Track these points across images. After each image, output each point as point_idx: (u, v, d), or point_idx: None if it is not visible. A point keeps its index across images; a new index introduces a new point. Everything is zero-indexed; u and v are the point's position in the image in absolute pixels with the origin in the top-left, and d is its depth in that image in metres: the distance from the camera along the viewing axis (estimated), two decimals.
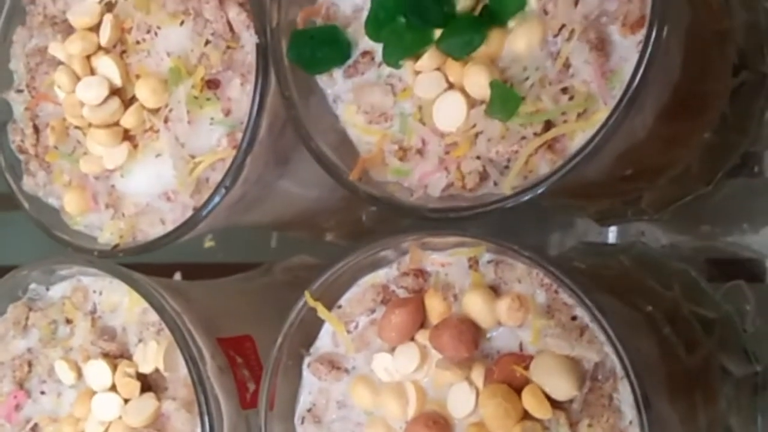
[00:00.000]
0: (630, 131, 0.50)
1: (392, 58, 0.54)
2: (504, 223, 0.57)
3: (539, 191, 0.49)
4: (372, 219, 0.79)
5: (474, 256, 0.52)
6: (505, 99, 0.50)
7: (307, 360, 0.58)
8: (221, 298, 0.72)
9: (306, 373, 0.58)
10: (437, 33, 0.52)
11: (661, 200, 0.69)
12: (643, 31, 0.48)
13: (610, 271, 0.65)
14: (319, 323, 0.58)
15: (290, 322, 0.57)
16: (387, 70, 0.55)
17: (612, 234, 0.75)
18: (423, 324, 0.54)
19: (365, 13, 0.55)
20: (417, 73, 0.54)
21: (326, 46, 0.55)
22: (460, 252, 0.53)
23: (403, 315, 0.52)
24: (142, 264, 0.64)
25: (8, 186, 0.68)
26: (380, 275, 0.56)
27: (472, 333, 0.50)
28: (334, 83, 0.57)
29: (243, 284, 0.79)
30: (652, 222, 0.73)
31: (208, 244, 0.92)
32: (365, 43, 0.56)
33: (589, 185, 0.58)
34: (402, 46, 0.54)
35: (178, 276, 0.88)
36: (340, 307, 0.58)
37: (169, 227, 0.62)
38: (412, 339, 0.54)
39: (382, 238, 0.55)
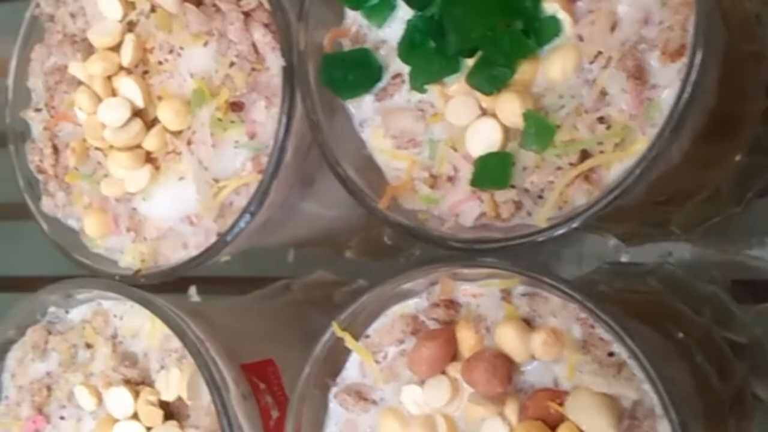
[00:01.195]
0: (668, 159, 0.49)
1: (417, 82, 0.53)
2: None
3: (575, 225, 0.47)
4: (393, 236, 0.78)
5: (507, 288, 0.51)
6: (539, 131, 0.48)
7: (333, 390, 0.57)
8: (242, 320, 0.71)
9: (332, 403, 0.57)
10: (466, 60, 0.51)
11: (691, 221, 0.68)
12: (684, 59, 0.47)
13: (639, 296, 0.64)
14: (346, 353, 0.57)
15: (317, 353, 0.55)
16: (418, 94, 0.54)
17: (638, 254, 0.74)
18: (454, 356, 0.52)
19: (396, 35, 0.54)
20: (447, 97, 0.53)
21: (358, 69, 0.54)
22: (492, 284, 0.52)
23: (435, 348, 0.51)
24: None
25: (26, 205, 0.67)
26: (409, 305, 0.55)
27: (506, 367, 0.49)
28: (362, 107, 0.56)
29: (263, 303, 0.78)
30: (679, 242, 0.72)
31: (224, 258, 0.91)
32: (396, 65, 0.55)
33: (621, 210, 0.56)
34: (428, 71, 0.52)
35: (193, 290, 0.87)
36: (368, 336, 0.57)
37: (192, 251, 0.61)
38: (443, 372, 0.52)
39: (411, 268, 0.53)
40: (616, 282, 0.68)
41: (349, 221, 0.70)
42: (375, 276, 0.84)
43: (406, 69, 0.54)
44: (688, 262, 0.72)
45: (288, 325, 0.74)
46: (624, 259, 0.73)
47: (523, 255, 0.52)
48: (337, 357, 0.57)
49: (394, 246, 0.79)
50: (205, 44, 0.59)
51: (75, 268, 0.65)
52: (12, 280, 1.02)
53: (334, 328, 0.55)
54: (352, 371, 0.57)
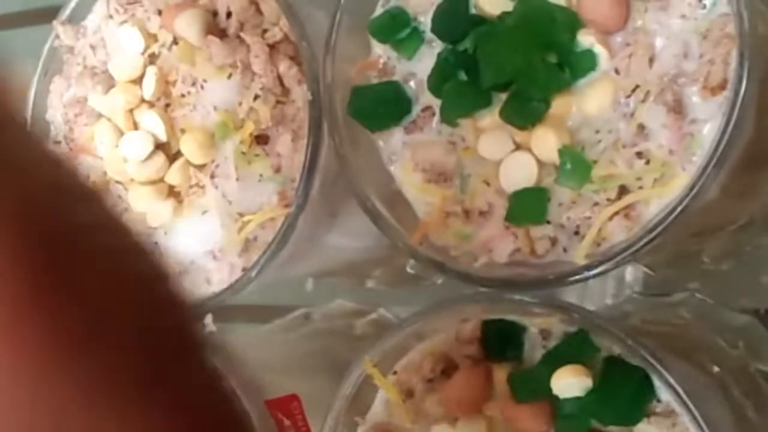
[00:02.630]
0: (707, 194, 0.48)
1: (449, 116, 0.52)
2: None
3: (616, 262, 0.46)
4: (415, 266, 0.77)
5: (546, 328, 0.50)
6: (575, 166, 0.47)
7: (360, 429, 0.56)
8: (264, 353, 0.70)
9: None
10: (498, 94, 0.50)
11: (722, 251, 0.66)
12: (725, 93, 0.46)
13: (674, 329, 0.63)
14: (374, 390, 0.56)
15: (345, 391, 0.54)
16: (448, 127, 0.53)
17: (667, 283, 0.72)
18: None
19: (425, 68, 0.53)
20: (479, 131, 0.52)
21: (387, 102, 0.53)
22: (532, 323, 0.50)
23: (473, 387, 0.50)
24: None
25: None
26: (439, 342, 0.54)
27: (550, 405, 0.48)
28: (391, 140, 0.55)
29: (284, 335, 0.76)
30: (708, 271, 0.71)
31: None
32: (425, 98, 0.53)
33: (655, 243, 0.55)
34: (460, 105, 0.51)
35: (209, 319, 0.85)
36: (395, 373, 0.55)
37: (215, 286, 0.60)
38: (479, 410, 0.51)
39: (440, 304, 0.52)
40: (647, 313, 0.66)
41: (373, 252, 0.69)
42: (395, 304, 0.84)
43: (436, 102, 0.53)
44: (718, 292, 0.70)
45: (310, 357, 0.73)
46: (653, 288, 0.71)
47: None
48: (365, 394, 0.56)
49: (416, 275, 0.78)
50: (229, 77, 0.58)
51: None
52: None
53: (364, 364, 0.53)
54: (379, 408, 0.56)
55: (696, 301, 0.69)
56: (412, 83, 0.54)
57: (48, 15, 0.67)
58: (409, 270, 0.78)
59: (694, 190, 0.45)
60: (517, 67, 0.48)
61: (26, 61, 0.67)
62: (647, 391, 0.47)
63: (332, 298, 0.84)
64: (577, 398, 0.47)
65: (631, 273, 0.74)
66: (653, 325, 0.63)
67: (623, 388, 0.47)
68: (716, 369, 0.59)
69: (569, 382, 0.46)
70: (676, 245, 0.62)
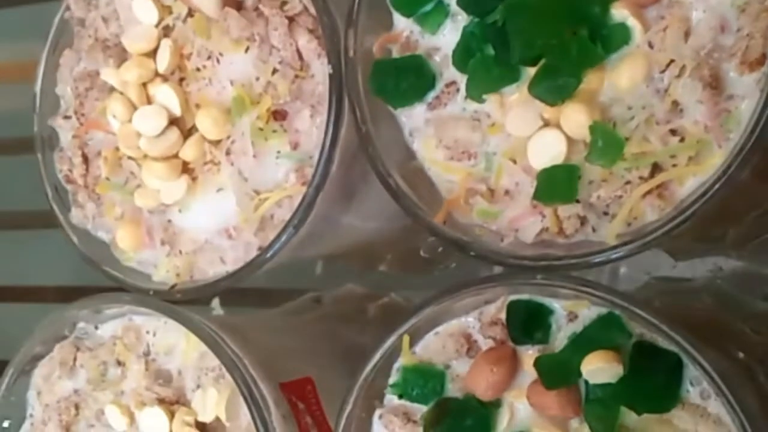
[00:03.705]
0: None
1: (476, 93, 0.51)
2: None
3: (647, 242, 0.45)
4: (429, 250, 0.75)
5: (573, 311, 0.49)
6: (607, 143, 0.46)
7: (378, 412, 0.54)
8: (277, 337, 0.68)
9: (377, 425, 0.55)
10: (526, 69, 0.49)
11: (745, 236, 0.65)
12: (764, 69, 0.44)
13: (697, 315, 0.61)
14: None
15: (366, 375, 0.53)
16: (473, 103, 0.51)
17: (687, 268, 0.71)
18: None
19: (449, 42, 0.51)
20: (506, 107, 0.50)
21: (411, 77, 0.52)
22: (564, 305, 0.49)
23: (502, 371, 0.48)
24: None
25: (53, 215, 0.64)
26: (462, 323, 0.53)
27: (577, 391, 0.46)
28: (413, 116, 0.53)
29: (295, 318, 0.75)
30: (729, 256, 0.70)
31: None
32: (449, 73, 0.52)
33: None
34: (487, 81, 0.50)
35: (216, 302, 0.84)
36: (414, 354, 0.54)
37: (230, 266, 0.59)
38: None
39: (466, 285, 0.51)
40: (668, 298, 0.65)
41: (387, 234, 0.68)
42: (406, 289, 0.83)
43: (460, 77, 0.52)
44: (739, 278, 0.69)
45: (322, 341, 0.71)
46: (673, 273, 0.70)
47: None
48: (382, 377, 0.55)
49: (429, 259, 0.77)
50: (246, 50, 0.56)
51: (103, 279, 0.62)
52: (37, 290, 1.00)
53: (404, 352, 0.52)
54: None
55: (717, 287, 0.68)
56: (436, 58, 0.52)
57: None
58: (422, 254, 0.76)
59: (732, 169, 0.43)
60: (548, 41, 0.46)
61: (35, 37, 0.66)
62: (679, 377, 0.45)
63: (341, 282, 0.83)
64: (608, 384, 0.45)
65: (651, 259, 0.72)
66: (676, 309, 0.62)
67: (655, 374, 0.45)
68: (741, 355, 0.58)
69: (600, 368, 0.45)
70: (701, 228, 0.60)
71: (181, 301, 0.60)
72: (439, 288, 0.79)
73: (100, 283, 0.63)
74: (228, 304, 0.84)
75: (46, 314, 1.01)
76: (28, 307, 1.06)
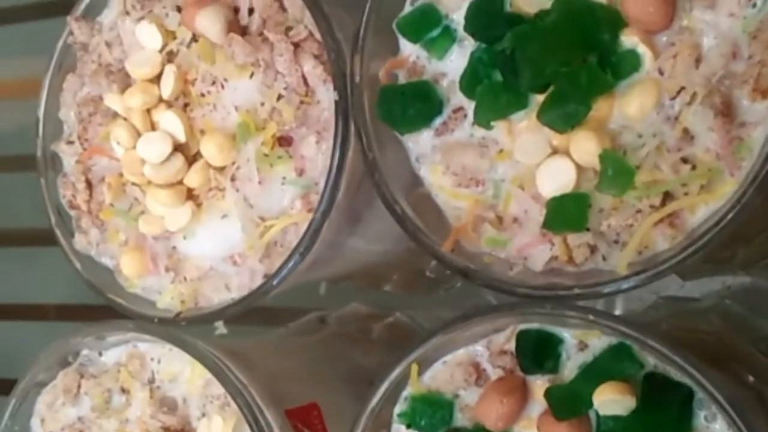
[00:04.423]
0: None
1: (483, 119, 0.50)
2: None
3: (659, 272, 0.44)
4: (435, 270, 0.75)
5: (583, 340, 0.48)
6: (617, 172, 0.45)
7: None
8: (282, 360, 0.68)
9: None
10: (535, 95, 0.48)
11: (755, 256, 0.65)
12: None
13: (706, 337, 0.61)
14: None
15: (372, 406, 0.52)
16: (481, 129, 0.51)
17: (695, 288, 0.70)
18: None
19: (457, 68, 0.51)
20: (514, 134, 0.50)
21: (418, 103, 0.51)
22: (574, 334, 0.48)
23: (513, 402, 0.48)
24: None
25: (57, 240, 0.64)
26: (471, 352, 0.52)
27: (588, 421, 0.46)
28: (420, 141, 0.53)
29: (300, 340, 0.74)
30: (737, 276, 0.69)
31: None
32: (457, 99, 0.51)
33: None
34: (495, 107, 0.49)
35: (220, 323, 0.84)
36: (422, 383, 0.53)
37: (235, 293, 0.58)
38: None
39: (475, 314, 0.50)
40: (676, 320, 0.65)
41: (394, 256, 0.67)
42: (411, 308, 0.82)
43: (467, 103, 0.51)
44: (748, 298, 0.69)
45: (327, 364, 0.71)
46: (681, 293, 0.70)
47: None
48: (390, 407, 0.54)
49: (436, 279, 0.76)
50: (251, 76, 0.56)
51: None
52: (39, 308, 1.00)
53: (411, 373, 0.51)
54: None
55: (726, 308, 0.67)
56: (443, 83, 0.52)
57: (62, 7, 0.65)
58: (428, 274, 0.76)
59: (745, 198, 0.43)
60: (557, 68, 0.46)
61: (40, 55, 0.65)
62: (691, 410, 0.45)
63: (346, 301, 0.83)
64: (619, 417, 0.45)
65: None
66: (685, 332, 0.62)
67: (667, 407, 0.45)
68: (751, 379, 0.57)
69: (612, 400, 0.44)
70: (709, 252, 0.60)
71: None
72: (443, 307, 0.79)
73: (104, 301, 0.62)
74: (232, 324, 0.83)
75: (49, 332, 1.02)
76: (30, 325, 1.06)
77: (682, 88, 0.46)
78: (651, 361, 0.47)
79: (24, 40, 1.02)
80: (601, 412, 0.45)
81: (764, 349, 0.61)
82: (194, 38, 0.57)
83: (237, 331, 0.83)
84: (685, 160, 0.45)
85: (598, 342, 0.48)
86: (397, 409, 0.53)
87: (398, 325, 0.80)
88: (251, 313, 0.81)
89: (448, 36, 0.51)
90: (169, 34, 0.58)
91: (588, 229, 0.47)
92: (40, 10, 0.99)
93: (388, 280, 0.77)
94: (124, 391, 0.61)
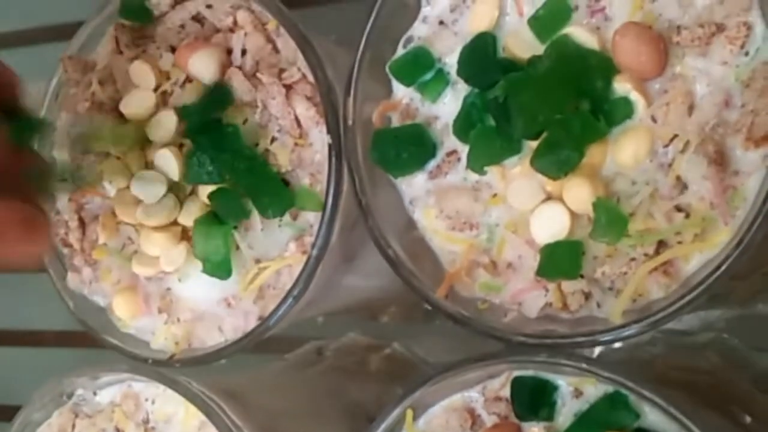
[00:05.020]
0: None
1: (477, 164, 0.50)
2: None
3: (657, 321, 0.44)
4: None
5: (578, 388, 0.48)
6: (611, 221, 0.45)
7: None
8: (278, 397, 0.67)
9: None
10: (528, 141, 0.48)
11: (750, 292, 0.64)
12: None
13: (701, 376, 0.61)
14: None
15: None
16: (474, 173, 0.50)
17: (692, 321, 0.70)
18: None
19: (450, 111, 0.51)
20: (508, 179, 0.49)
21: (411, 146, 0.51)
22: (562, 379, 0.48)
23: None
24: None
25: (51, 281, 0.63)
26: (466, 398, 0.52)
27: None
28: (413, 184, 0.53)
29: (296, 374, 0.74)
30: (735, 310, 0.69)
31: None
32: (450, 142, 0.51)
33: None
34: (489, 152, 0.49)
35: None
36: (417, 428, 0.53)
37: (228, 335, 0.58)
38: None
39: (469, 361, 0.50)
40: (673, 357, 0.64)
41: (389, 291, 0.67)
42: (409, 339, 0.82)
43: (461, 146, 0.51)
44: (746, 332, 0.68)
45: (324, 399, 0.70)
46: (678, 326, 0.69)
47: None
48: None
49: (433, 310, 0.76)
50: (245, 122, 0.55)
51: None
52: (36, 334, 1.00)
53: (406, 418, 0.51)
54: None
55: (724, 342, 0.67)
56: (436, 126, 0.52)
57: (60, 32, 0.64)
58: (425, 306, 0.76)
59: (740, 247, 0.42)
60: (550, 116, 0.45)
61: (39, 79, 0.65)
62: None
63: (344, 331, 0.82)
64: None
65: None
66: (681, 371, 0.61)
67: None
68: (748, 419, 0.57)
69: None
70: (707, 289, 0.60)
71: None
72: (440, 338, 0.79)
73: None
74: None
75: (48, 359, 1.01)
76: (29, 351, 1.05)
77: (675, 135, 0.45)
78: (647, 410, 0.46)
79: (26, 64, 1.02)
80: None
81: (762, 385, 0.61)
82: (188, 79, 0.57)
83: (234, 361, 0.83)
84: (678, 209, 0.45)
85: (594, 390, 0.47)
86: None
87: (395, 356, 0.80)
88: None
89: (442, 79, 0.51)
90: (162, 75, 0.58)
91: (582, 276, 0.47)
92: (41, 35, 0.99)
93: (385, 313, 0.77)
94: (118, 431, 0.61)
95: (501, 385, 0.50)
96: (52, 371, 0.64)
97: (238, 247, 0.56)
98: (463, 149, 0.51)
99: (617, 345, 0.69)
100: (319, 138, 0.54)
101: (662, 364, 0.62)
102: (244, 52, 0.56)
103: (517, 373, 0.49)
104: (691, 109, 0.45)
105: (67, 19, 0.68)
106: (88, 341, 0.64)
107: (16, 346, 1.06)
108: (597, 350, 0.64)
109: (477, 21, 0.50)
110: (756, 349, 0.66)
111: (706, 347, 0.65)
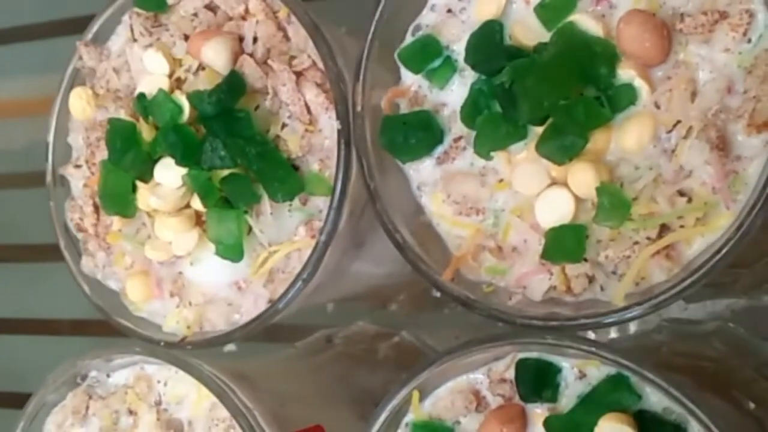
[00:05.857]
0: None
1: (483, 150, 0.51)
2: None
3: (660, 303, 0.45)
4: None
5: (582, 369, 0.48)
6: (614, 205, 0.46)
7: None
8: (288, 382, 0.68)
9: None
10: (534, 127, 0.49)
11: (756, 281, 0.65)
12: None
13: (707, 363, 0.61)
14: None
15: None
16: (481, 159, 0.51)
17: (698, 311, 0.71)
18: None
19: (457, 98, 0.52)
20: (514, 164, 0.50)
21: (419, 132, 0.52)
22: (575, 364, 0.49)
23: (511, 430, 0.48)
24: None
25: (66, 263, 0.65)
26: (471, 380, 0.52)
27: None
28: (421, 170, 0.54)
29: (306, 360, 0.75)
30: (740, 299, 0.69)
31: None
32: (457, 128, 0.52)
33: None
34: (495, 138, 0.50)
35: None
36: (423, 409, 0.54)
37: (239, 317, 0.59)
38: None
39: (475, 343, 0.51)
40: (678, 344, 0.65)
41: (399, 278, 0.68)
42: (418, 327, 0.82)
43: (468, 132, 0.52)
44: (751, 321, 0.69)
45: (333, 385, 0.71)
46: (684, 315, 0.70)
47: None
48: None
49: (442, 298, 0.77)
50: (256, 108, 0.56)
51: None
52: (52, 323, 1.01)
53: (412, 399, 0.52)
54: None
55: (729, 331, 0.67)
56: (444, 112, 0.53)
57: (72, 26, 0.65)
58: (434, 293, 0.76)
59: (741, 231, 0.43)
60: (555, 102, 0.46)
61: (55, 72, 0.66)
62: None
63: (353, 319, 0.83)
64: None
65: None
66: (686, 358, 0.62)
67: None
68: (752, 406, 0.58)
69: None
70: (712, 276, 0.60)
71: None
72: (449, 326, 0.80)
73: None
74: (241, 340, 0.84)
75: (63, 347, 1.03)
76: (44, 339, 1.07)
77: (678, 121, 0.46)
78: (648, 392, 0.47)
79: (40, 57, 1.03)
80: None
81: (766, 373, 0.61)
82: (201, 66, 0.58)
83: (245, 348, 0.84)
84: (681, 193, 0.46)
85: (597, 372, 0.48)
86: None
87: (404, 345, 0.81)
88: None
89: (449, 66, 0.52)
90: (176, 62, 0.59)
91: (586, 260, 0.48)
92: (55, 28, 1.01)
93: (394, 300, 0.78)
94: (131, 412, 0.62)
95: (506, 367, 0.51)
96: (67, 360, 0.65)
97: (249, 231, 0.57)
98: (470, 135, 0.52)
99: (624, 333, 0.70)
100: (329, 124, 0.55)
101: (667, 351, 0.63)
102: (255, 40, 0.57)
103: (521, 355, 0.50)
104: (694, 95, 0.46)
105: (81, 13, 0.69)
106: (103, 330, 0.65)
107: (32, 335, 1.08)
108: (605, 338, 0.65)
109: (484, 9, 0.51)
110: (761, 338, 0.67)
111: (711, 336, 0.66)
